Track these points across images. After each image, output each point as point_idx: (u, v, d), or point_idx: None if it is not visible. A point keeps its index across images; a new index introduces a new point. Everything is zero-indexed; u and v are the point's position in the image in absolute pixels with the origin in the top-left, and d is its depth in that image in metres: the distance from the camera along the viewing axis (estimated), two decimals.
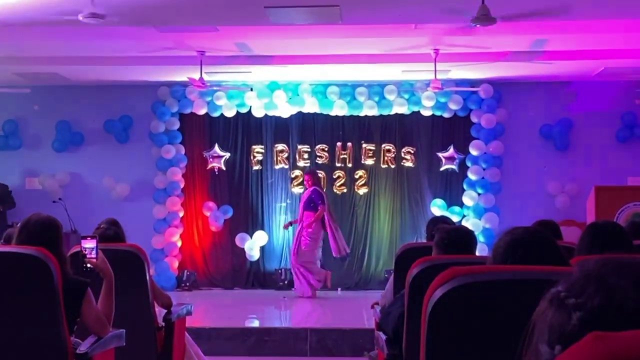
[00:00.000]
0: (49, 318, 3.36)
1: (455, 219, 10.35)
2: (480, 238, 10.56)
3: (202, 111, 11.12)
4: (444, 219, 5.28)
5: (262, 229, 11.17)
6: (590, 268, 0.86)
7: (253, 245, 11.01)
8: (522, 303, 1.77)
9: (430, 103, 10.76)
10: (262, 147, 11.33)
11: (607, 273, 0.85)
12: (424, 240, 5.30)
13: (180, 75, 10.21)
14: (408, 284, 2.93)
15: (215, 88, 10.61)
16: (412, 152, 11.19)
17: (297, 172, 11.25)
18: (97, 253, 3.68)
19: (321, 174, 11.15)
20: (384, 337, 3.71)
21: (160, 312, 4.89)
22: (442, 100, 10.79)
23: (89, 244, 3.68)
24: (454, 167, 11.12)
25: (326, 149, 11.25)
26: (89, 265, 3.67)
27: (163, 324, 4.82)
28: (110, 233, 4.69)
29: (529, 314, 1.31)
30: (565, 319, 0.83)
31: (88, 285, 3.53)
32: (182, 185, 11.21)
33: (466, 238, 3.60)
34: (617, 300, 0.83)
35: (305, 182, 10.33)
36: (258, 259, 11.12)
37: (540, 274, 1.87)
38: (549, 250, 2.17)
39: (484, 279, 1.88)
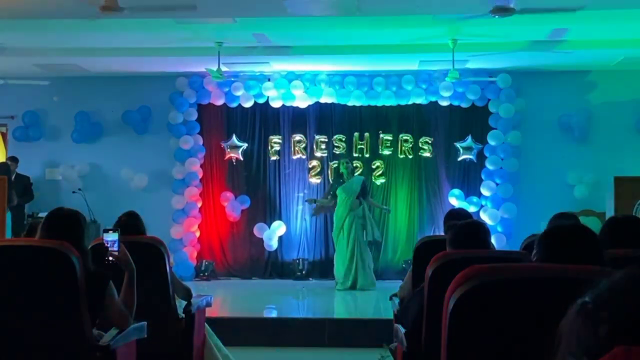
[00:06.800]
0: (71, 311, 3.39)
1: (473, 209, 10.33)
2: (498, 228, 10.53)
3: (219, 102, 11.14)
4: (460, 212, 5.26)
5: (280, 219, 11.19)
6: (618, 280, 0.85)
7: (272, 235, 11.04)
8: (544, 301, 1.78)
9: (448, 93, 10.72)
10: (280, 137, 11.34)
11: (635, 285, 0.84)
12: (442, 233, 5.29)
13: (198, 66, 10.23)
14: (427, 279, 2.93)
15: (232, 79, 10.63)
16: (430, 142, 11.16)
17: (315, 162, 11.27)
18: (119, 246, 3.72)
19: (336, 164, 11.17)
20: (403, 330, 3.72)
21: (180, 303, 4.94)
22: (460, 90, 10.74)
23: (111, 237, 3.72)
24: (471, 157, 11.07)
25: (343, 139, 11.24)
26: (111, 258, 3.70)
27: (183, 315, 4.86)
28: (131, 225, 4.73)
29: (551, 312, 1.32)
30: (593, 332, 0.82)
31: (110, 279, 3.57)
32: (200, 175, 11.26)
33: (478, 233, 3.58)
34: None
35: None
36: (276, 249, 11.16)
37: (562, 272, 1.88)
38: (591, 248, 2.16)
39: (505, 277, 1.89)
